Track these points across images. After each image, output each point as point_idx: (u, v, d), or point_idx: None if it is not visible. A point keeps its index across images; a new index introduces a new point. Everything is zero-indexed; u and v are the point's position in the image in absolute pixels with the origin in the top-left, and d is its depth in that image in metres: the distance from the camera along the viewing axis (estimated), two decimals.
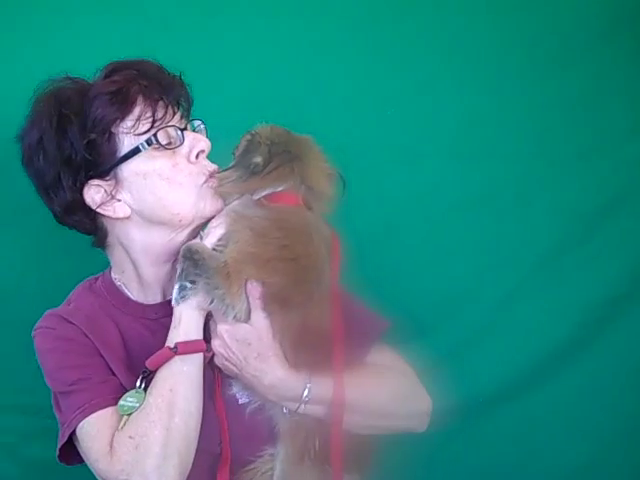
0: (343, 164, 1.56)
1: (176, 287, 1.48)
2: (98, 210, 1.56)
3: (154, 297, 1.66)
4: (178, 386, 1.46)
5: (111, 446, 1.45)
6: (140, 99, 1.51)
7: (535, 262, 2.09)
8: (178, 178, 1.53)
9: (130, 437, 1.44)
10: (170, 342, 1.49)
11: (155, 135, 1.51)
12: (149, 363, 1.48)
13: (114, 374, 1.55)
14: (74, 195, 1.55)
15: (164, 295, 1.65)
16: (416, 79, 2.07)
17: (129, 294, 1.66)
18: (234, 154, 1.56)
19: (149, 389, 1.49)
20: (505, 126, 2.09)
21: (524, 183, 2.09)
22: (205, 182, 1.56)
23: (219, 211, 1.57)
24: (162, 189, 1.52)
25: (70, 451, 1.55)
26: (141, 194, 1.53)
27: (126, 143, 1.51)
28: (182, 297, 1.48)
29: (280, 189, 1.50)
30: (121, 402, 1.47)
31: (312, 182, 1.52)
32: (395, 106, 2.05)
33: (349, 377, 1.50)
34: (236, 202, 1.53)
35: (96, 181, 1.54)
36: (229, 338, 1.49)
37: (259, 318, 1.49)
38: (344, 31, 2.06)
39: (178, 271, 1.48)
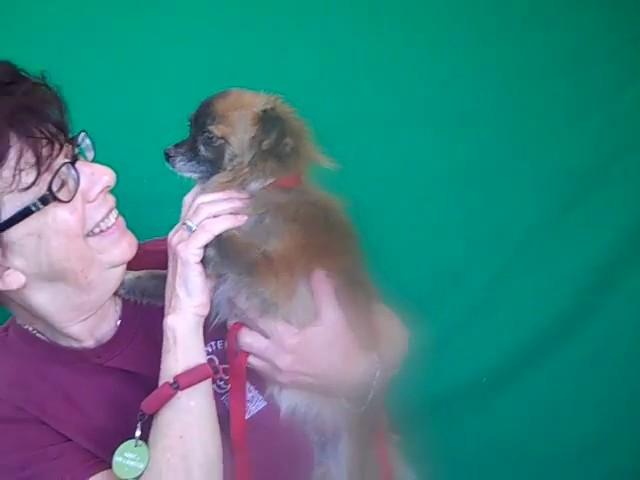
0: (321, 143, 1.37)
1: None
2: None
3: (90, 341, 1.30)
4: (189, 430, 1.14)
5: None
6: (14, 138, 1.09)
7: (527, 232, 2.00)
8: (78, 228, 1.17)
9: None
10: (167, 373, 1.17)
11: (50, 189, 1.11)
12: (145, 406, 1.16)
13: (68, 439, 1.23)
14: None
15: (104, 335, 1.31)
16: (390, 47, 1.96)
17: (56, 341, 1.29)
18: (194, 121, 1.31)
19: (151, 439, 1.15)
20: (485, 93, 1.99)
21: (508, 151, 2.00)
22: (104, 219, 1.22)
23: (132, 255, 1.26)
24: (61, 246, 1.16)
25: None
26: (37, 256, 1.15)
27: (8, 204, 1.10)
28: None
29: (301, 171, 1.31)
30: (117, 459, 1.14)
31: (314, 157, 1.34)
32: (370, 78, 1.95)
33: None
34: (253, 188, 1.28)
35: None
36: (305, 349, 1.22)
37: (333, 314, 1.25)
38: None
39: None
